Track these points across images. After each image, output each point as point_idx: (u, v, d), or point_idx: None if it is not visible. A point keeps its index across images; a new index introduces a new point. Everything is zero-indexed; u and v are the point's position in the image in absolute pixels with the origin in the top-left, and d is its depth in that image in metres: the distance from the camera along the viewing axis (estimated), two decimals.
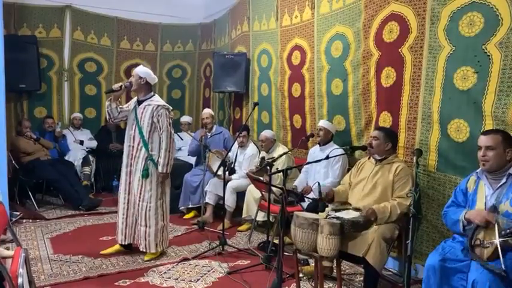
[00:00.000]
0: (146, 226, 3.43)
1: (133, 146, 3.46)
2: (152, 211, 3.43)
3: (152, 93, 3.52)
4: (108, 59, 6.37)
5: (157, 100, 3.48)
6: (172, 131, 3.48)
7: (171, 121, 3.47)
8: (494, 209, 2.10)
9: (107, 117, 3.56)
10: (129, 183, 3.48)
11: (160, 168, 3.38)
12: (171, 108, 3.54)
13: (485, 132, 2.30)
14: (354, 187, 3.07)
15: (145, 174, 3.40)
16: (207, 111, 5.05)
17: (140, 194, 3.43)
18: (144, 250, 3.48)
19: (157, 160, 3.41)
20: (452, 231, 2.43)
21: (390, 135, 3.02)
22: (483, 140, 2.23)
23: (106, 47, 6.33)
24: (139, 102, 3.49)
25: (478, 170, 2.32)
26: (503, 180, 2.17)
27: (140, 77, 3.43)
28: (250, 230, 4.15)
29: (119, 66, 6.46)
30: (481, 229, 2.10)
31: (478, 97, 2.61)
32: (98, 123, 6.36)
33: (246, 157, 4.59)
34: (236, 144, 4.60)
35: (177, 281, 3.11)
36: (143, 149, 3.42)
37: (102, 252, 3.58)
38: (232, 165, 4.66)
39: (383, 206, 2.75)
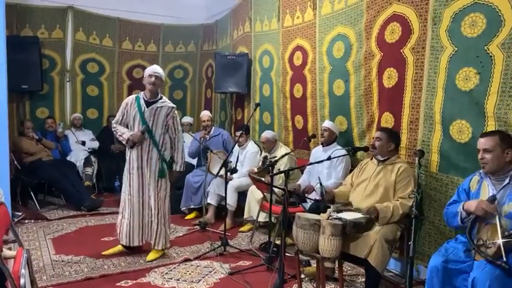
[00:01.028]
0: (164, 224, 3.53)
1: (142, 148, 3.47)
2: (167, 208, 3.56)
3: (161, 94, 3.59)
4: (110, 59, 6.38)
5: (168, 101, 3.57)
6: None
7: None
8: (493, 199, 2.11)
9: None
10: (142, 184, 3.49)
11: (178, 167, 3.57)
12: None
13: (483, 135, 2.30)
14: (356, 187, 3.07)
15: (163, 174, 3.49)
16: (206, 113, 5.05)
17: (158, 193, 3.50)
18: (158, 247, 3.52)
19: (174, 160, 3.56)
20: (450, 226, 2.43)
21: (393, 135, 3.02)
22: (481, 143, 2.24)
23: (108, 47, 6.34)
24: (148, 103, 3.48)
25: (481, 171, 2.32)
26: (507, 181, 2.17)
27: (162, 80, 3.54)
28: (252, 231, 4.15)
29: (120, 67, 6.47)
30: (481, 223, 2.10)
31: (481, 98, 2.60)
32: (99, 123, 6.37)
33: (248, 155, 4.60)
34: (236, 145, 4.60)
35: (179, 281, 3.11)
36: (155, 150, 3.46)
37: (103, 252, 3.59)
38: (234, 166, 4.68)
39: (385, 205, 2.75)
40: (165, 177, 3.53)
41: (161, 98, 3.54)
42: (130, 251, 3.60)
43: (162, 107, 3.48)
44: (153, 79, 3.43)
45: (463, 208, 2.24)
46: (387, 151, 2.98)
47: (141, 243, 3.56)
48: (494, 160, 2.17)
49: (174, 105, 3.57)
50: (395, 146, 3.02)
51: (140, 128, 3.43)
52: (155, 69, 3.51)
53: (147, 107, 3.46)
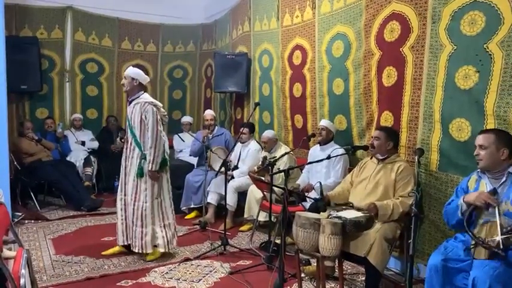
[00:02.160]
0: (142, 226, 3.41)
1: (127, 147, 3.50)
2: (148, 210, 3.41)
3: (142, 91, 3.52)
4: (110, 59, 6.37)
5: (145, 98, 3.47)
6: (160, 128, 3.41)
7: (158, 118, 3.42)
8: (494, 191, 2.13)
9: None
10: (125, 183, 3.48)
11: (149, 166, 3.37)
12: (160, 105, 3.51)
13: (481, 132, 2.33)
14: (356, 186, 3.07)
15: (140, 173, 3.40)
16: (210, 113, 5.06)
17: (136, 193, 3.42)
18: (140, 251, 3.43)
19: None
20: (449, 226, 2.43)
21: (391, 134, 3.02)
22: (478, 139, 2.28)
23: (107, 47, 6.34)
24: (129, 102, 3.51)
25: (478, 169, 2.32)
26: (503, 179, 2.18)
27: (133, 79, 3.45)
28: (252, 230, 4.15)
29: (120, 67, 6.45)
30: (480, 211, 2.11)
31: (480, 96, 2.60)
32: (99, 123, 6.36)
33: (250, 152, 4.60)
34: (239, 143, 4.60)
35: (179, 281, 3.11)
36: (136, 149, 3.44)
37: (103, 253, 3.59)
38: (236, 164, 4.68)
39: (385, 203, 2.76)
40: (145, 178, 3.39)
41: (140, 95, 3.48)
42: (129, 250, 3.58)
43: (138, 103, 3.43)
44: (123, 81, 3.52)
45: (463, 200, 2.25)
46: (386, 150, 2.98)
47: (126, 243, 3.49)
48: (489, 157, 2.20)
49: (151, 101, 3.43)
50: (395, 145, 3.02)
51: (126, 127, 3.51)
52: (127, 70, 3.52)
53: (129, 105, 3.51)
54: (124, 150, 3.54)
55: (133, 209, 3.42)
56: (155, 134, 3.37)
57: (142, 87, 3.52)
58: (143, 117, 3.38)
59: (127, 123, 3.51)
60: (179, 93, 6.97)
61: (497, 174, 2.22)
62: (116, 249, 3.61)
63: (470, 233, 2.10)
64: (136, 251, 3.45)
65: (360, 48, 3.63)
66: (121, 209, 3.50)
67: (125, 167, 3.50)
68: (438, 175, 2.92)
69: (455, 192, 2.43)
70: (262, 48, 5.11)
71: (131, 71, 3.49)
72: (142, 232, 3.42)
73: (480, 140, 2.25)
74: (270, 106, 5.02)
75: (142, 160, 3.40)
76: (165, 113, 3.58)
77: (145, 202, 3.41)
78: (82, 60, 6.17)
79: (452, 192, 2.51)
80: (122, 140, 3.58)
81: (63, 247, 3.77)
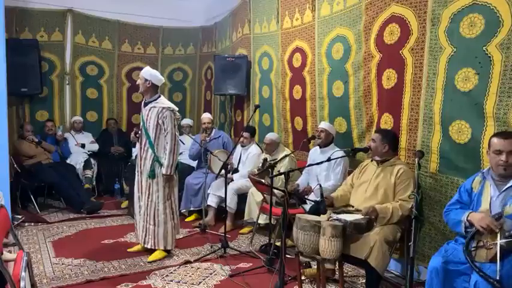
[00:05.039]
0: (155, 225, 3.50)
1: (141, 147, 3.55)
2: (161, 211, 3.49)
3: (158, 94, 3.55)
4: (110, 62, 6.38)
5: (162, 102, 3.51)
6: (177, 133, 3.50)
7: (176, 123, 3.49)
8: (499, 216, 2.06)
9: None
10: (140, 182, 3.56)
11: (164, 170, 3.42)
12: (177, 109, 3.54)
13: (506, 136, 2.17)
14: (357, 189, 3.06)
15: (152, 175, 3.46)
16: (207, 116, 5.07)
17: (148, 194, 3.50)
18: (153, 247, 3.52)
19: (163, 161, 3.45)
20: (450, 228, 2.42)
21: (387, 136, 3.00)
22: (505, 145, 2.13)
23: (107, 50, 6.35)
24: (145, 104, 3.54)
25: (484, 170, 2.31)
26: (510, 184, 2.14)
27: (146, 80, 3.48)
28: (252, 233, 4.15)
29: (120, 70, 6.47)
30: (482, 235, 2.07)
31: (480, 98, 2.61)
32: (99, 126, 6.36)
33: (250, 156, 4.60)
34: (239, 145, 4.60)
35: (179, 283, 3.11)
36: (149, 150, 3.49)
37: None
38: (236, 167, 4.68)
39: (385, 206, 2.75)
40: (157, 179, 3.46)
41: (157, 99, 3.52)
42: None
43: (154, 107, 3.47)
44: (138, 81, 3.55)
45: (467, 218, 2.20)
46: (382, 152, 2.97)
47: (143, 245, 3.58)
48: None
49: (168, 106, 3.46)
50: (392, 147, 3.01)
51: (141, 128, 3.56)
52: (142, 70, 3.55)
53: (144, 107, 3.55)
54: (138, 150, 3.61)
55: (147, 207, 3.50)
56: (173, 140, 3.43)
57: (157, 90, 3.54)
58: (160, 122, 3.43)
59: (141, 124, 3.54)
60: (179, 95, 6.98)
61: (506, 178, 2.16)
62: (140, 246, 3.66)
63: (469, 261, 2.02)
64: (149, 247, 3.53)
65: (360, 50, 3.64)
66: (138, 207, 3.58)
67: (139, 166, 3.57)
68: (438, 177, 2.92)
69: (458, 192, 2.41)
70: (262, 50, 5.12)
71: (145, 72, 3.50)
72: (155, 231, 3.50)
73: (510, 145, 2.11)
74: (270, 108, 5.02)
75: (155, 162, 3.45)
76: (179, 116, 3.61)
77: (158, 203, 3.49)
78: (82, 62, 6.18)
79: (453, 195, 2.50)
80: (137, 135, 3.60)
81: (63, 250, 3.76)
